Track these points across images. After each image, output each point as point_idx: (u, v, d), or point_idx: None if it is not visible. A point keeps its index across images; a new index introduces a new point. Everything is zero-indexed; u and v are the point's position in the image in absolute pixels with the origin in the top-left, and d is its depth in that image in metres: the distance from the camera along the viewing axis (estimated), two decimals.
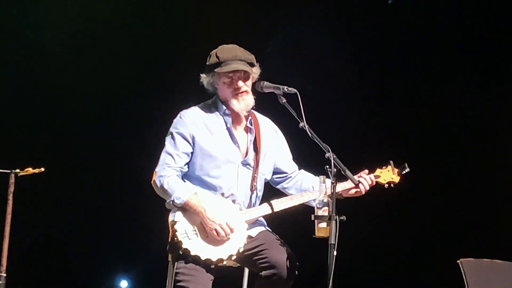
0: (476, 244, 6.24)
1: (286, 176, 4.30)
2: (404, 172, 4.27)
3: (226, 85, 4.05)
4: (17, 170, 5.34)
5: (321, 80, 6.63)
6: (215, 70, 4.04)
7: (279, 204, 4.06)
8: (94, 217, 6.99)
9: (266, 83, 4.07)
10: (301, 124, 3.86)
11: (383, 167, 4.26)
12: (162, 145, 4.11)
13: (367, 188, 4.16)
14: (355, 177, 4.11)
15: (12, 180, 5.31)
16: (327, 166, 3.78)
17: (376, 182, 4.21)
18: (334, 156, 3.78)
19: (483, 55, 6.72)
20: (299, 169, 4.36)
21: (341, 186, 4.04)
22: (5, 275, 5.19)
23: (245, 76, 4.06)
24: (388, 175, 4.24)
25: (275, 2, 6.93)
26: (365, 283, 6.84)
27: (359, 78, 6.87)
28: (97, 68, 6.83)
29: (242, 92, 4.04)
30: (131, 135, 6.91)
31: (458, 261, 4.47)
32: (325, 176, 3.88)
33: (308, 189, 4.17)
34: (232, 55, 4.04)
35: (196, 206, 3.91)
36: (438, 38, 6.84)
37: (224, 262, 3.94)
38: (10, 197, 5.28)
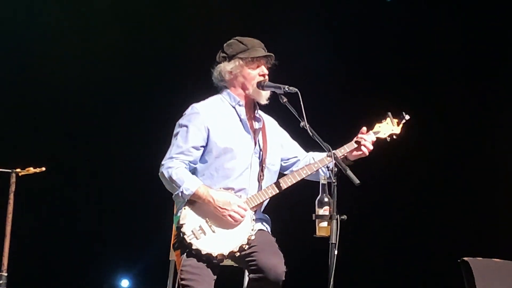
0: (477, 243, 6.23)
1: (295, 161, 4.24)
2: (404, 121, 4.12)
3: (252, 71, 4.03)
4: (18, 170, 5.33)
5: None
6: (241, 56, 4.02)
7: (284, 182, 3.98)
8: (95, 216, 6.99)
9: (267, 82, 4.04)
10: (302, 124, 3.82)
11: (382, 121, 4.13)
12: (170, 136, 4.02)
13: (370, 147, 4.05)
14: (354, 139, 4.06)
15: (13, 179, 5.30)
16: (328, 166, 3.76)
17: (377, 138, 4.08)
18: (335, 156, 3.76)
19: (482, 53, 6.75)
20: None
21: (341, 151, 3.99)
22: (6, 274, 5.18)
23: (269, 63, 4.08)
24: (387, 128, 4.11)
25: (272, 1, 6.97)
26: (365, 284, 6.84)
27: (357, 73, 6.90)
28: (98, 66, 6.82)
29: (266, 79, 4.05)
30: (132, 134, 6.90)
31: (459, 261, 4.46)
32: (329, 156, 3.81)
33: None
34: (256, 42, 4.07)
35: (205, 196, 3.85)
36: (437, 34, 6.86)
37: (230, 257, 3.89)
38: (11, 196, 5.27)
